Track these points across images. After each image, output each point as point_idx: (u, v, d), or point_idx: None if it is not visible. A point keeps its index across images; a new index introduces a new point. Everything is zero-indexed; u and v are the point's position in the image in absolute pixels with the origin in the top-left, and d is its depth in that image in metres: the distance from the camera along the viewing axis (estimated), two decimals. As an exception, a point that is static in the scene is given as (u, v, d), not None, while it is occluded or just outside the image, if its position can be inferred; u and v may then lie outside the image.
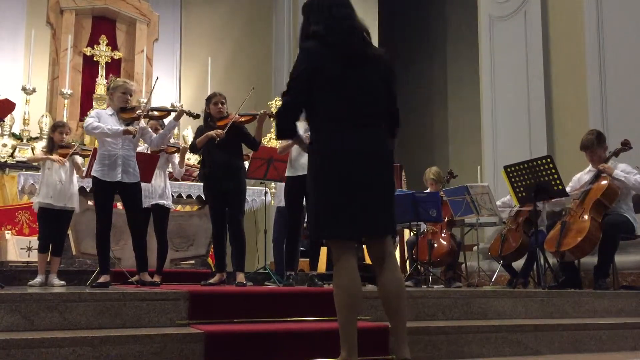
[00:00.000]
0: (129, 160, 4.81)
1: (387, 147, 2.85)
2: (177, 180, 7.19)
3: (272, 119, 5.37)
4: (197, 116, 5.29)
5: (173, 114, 5.14)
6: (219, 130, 5.10)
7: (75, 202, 5.53)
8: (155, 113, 5.14)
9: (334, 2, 2.87)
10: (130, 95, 4.98)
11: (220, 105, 5.29)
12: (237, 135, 5.22)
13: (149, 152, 5.63)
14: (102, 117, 4.83)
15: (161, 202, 5.50)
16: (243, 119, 5.29)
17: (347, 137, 2.75)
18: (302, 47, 2.86)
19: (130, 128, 4.76)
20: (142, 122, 4.94)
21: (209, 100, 5.39)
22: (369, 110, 2.81)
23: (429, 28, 12.45)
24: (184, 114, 5.11)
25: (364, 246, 2.95)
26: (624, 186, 5.09)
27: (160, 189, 5.52)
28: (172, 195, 7.22)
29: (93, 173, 4.78)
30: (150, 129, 5.13)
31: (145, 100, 9.46)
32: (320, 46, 2.80)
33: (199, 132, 5.37)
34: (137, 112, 4.91)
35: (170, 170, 6.01)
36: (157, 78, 5.75)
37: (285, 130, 2.91)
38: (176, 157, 5.94)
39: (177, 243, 7.40)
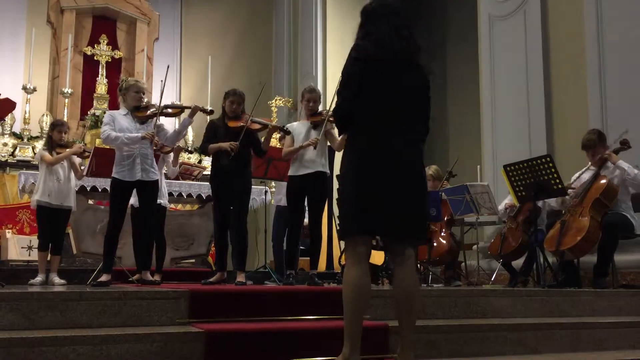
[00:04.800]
0: (146, 158, 4.82)
1: (421, 154, 2.92)
2: (175, 179, 7.19)
3: (279, 133, 5.34)
4: (211, 112, 5.26)
5: (187, 111, 5.13)
6: (233, 143, 5.04)
7: (72, 201, 5.53)
8: (169, 110, 5.11)
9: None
10: (144, 94, 4.96)
11: (235, 106, 5.24)
12: (247, 137, 5.20)
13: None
14: (117, 118, 4.81)
15: (158, 201, 5.50)
16: (256, 127, 5.25)
17: (387, 138, 2.79)
18: (354, 45, 2.91)
19: (147, 133, 4.74)
20: (156, 120, 4.92)
21: (226, 96, 5.31)
22: (408, 116, 2.88)
23: (429, 28, 12.44)
24: (198, 110, 5.09)
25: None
26: (623, 180, 5.09)
27: None
28: (172, 194, 7.24)
29: (113, 175, 4.76)
30: (165, 127, 5.12)
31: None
32: (371, 45, 2.85)
33: (211, 128, 5.30)
34: (151, 110, 4.90)
35: (165, 170, 6.01)
36: (168, 66, 5.61)
37: (347, 128, 2.96)
38: (170, 157, 5.93)
39: (178, 242, 7.41)
